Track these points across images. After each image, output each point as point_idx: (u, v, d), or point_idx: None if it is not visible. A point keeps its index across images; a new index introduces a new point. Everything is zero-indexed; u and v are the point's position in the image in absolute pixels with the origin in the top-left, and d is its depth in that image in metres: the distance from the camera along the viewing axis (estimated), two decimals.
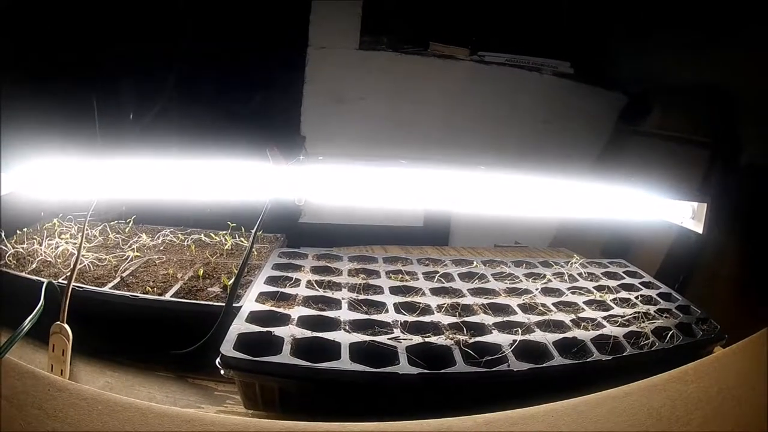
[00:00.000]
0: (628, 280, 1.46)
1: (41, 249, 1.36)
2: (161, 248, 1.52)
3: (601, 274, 1.51)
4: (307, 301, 1.19)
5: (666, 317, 1.23)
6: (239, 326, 1.03)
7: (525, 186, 1.27)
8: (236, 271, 1.24)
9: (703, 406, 0.82)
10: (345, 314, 1.13)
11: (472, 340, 1.05)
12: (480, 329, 1.11)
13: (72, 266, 1.10)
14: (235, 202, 1.27)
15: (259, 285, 1.24)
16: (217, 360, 0.93)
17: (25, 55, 1.67)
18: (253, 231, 1.24)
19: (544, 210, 1.31)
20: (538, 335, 1.09)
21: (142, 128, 2.10)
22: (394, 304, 1.19)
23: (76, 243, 1.39)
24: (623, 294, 1.37)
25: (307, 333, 1.03)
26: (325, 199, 1.27)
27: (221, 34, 2.12)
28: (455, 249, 1.96)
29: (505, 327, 1.13)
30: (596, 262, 1.60)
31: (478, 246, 2.00)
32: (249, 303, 1.14)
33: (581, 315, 1.21)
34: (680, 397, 0.84)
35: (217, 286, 1.28)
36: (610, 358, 1.04)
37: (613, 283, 1.43)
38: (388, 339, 1.03)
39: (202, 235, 1.62)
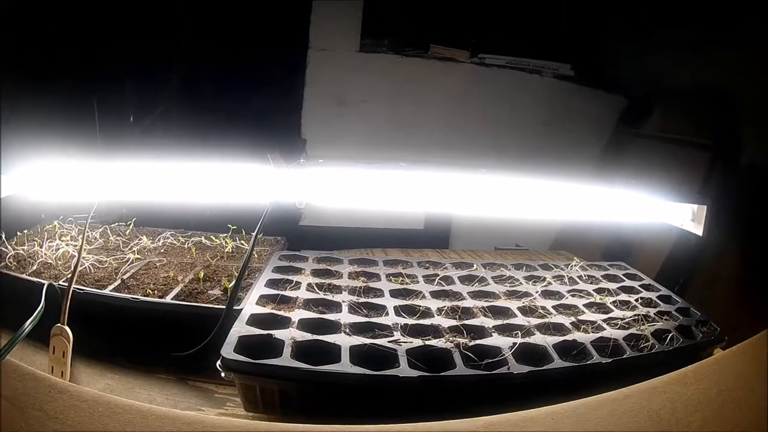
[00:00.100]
0: (627, 283, 1.46)
1: (42, 251, 1.36)
2: (162, 251, 1.52)
3: (601, 276, 1.51)
4: (308, 304, 1.19)
5: (666, 320, 1.23)
6: (240, 329, 1.03)
7: (525, 189, 1.27)
8: (237, 274, 1.24)
9: (703, 408, 0.82)
10: (345, 317, 1.13)
11: (472, 342, 1.05)
12: (480, 332, 1.11)
13: (73, 268, 1.10)
14: (236, 204, 1.27)
15: (259, 288, 1.24)
16: (218, 362, 0.94)
17: (25, 55, 1.67)
18: (254, 234, 1.24)
19: (544, 213, 1.31)
20: (538, 338, 1.09)
21: (143, 130, 2.10)
22: (395, 307, 1.19)
23: (76, 245, 1.39)
24: (623, 296, 1.37)
25: (308, 336, 1.03)
26: (326, 202, 1.27)
27: (221, 35, 2.12)
28: (456, 252, 1.96)
29: (505, 330, 1.13)
30: (596, 265, 1.60)
31: (478, 249, 2.00)
32: (249, 306, 1.14)
33: (581, 318, 1.21)
34: (680, 399, 0.84)
35: (217, 288, 1.28)
36: (610, 360, 1.04)
37: (612, 286, 1.43)
38: (388, 342, 1.03)
39: (203, 238, 1.62)
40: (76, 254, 1.16)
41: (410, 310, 1.19)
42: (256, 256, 1.51)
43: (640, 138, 2.32)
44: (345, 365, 0.94)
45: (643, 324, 1.19)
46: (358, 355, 0.98)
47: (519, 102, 2.45)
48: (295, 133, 2.31)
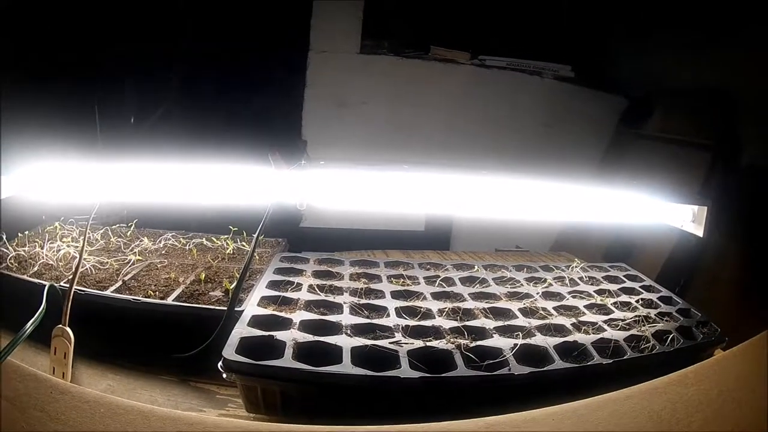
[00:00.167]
0: (628, 284, 1.46)
1: (43, 252, 1.36)
2: (163, 252, 1.52)
3: (602, 277, 1.51)
4: (309, 305, 1.19)
5: (666, 320, 1.23)
6: (241, 330, 1.03)
7: (526, 190, 1.27)
8: (238, 276, 1.24)
9: (704, 408, 0.82)
10: (346, 318, 1.13)
11: (474, 343, 1.05)
12: (481, 333, 1.11)
13: (74, 269, 1.10)
14: (237, 206, 1.27)
15: (260, 289, 1.24)
16: (219, 363, 0.94)
17: (25, 55, 1.68)
18: (255, 235, 1.24)
19: (545, 214, 1.31)
20: (538, 339, 1.09)
21: (144, 131, 2.11)
22: (396, 308, 1.19)
23: (77, 246, 1.39)
24: (624, 298, 1.37)
25: (309, 337, 1.03)
26: (327, 204, 1.27)
27: (222, 35, 2.13)
28: (456, 253, 1.96)
29: (506, 331, 1.13)
30: (597, 266, 1.60)
31: (479, 250, 2.01)
32: (251, 307, 1.14)
33: (582, 319, 1.21)
34: (681, 399, 0.85)
35: (218, 290, 1.28)
36: (611, 361, 1.04)
37: (613, 287, 1.43)
38: (389, 343, 1.03)
39: (204, 239, 1.62)
40: (78, 255, 1.16)
41: (411, 312, 1.19)
42: (257, 257, 1.51)
43: (641, 139, 2.32)
44: (346, 366, 0.94)
45: (644, 325, 1.19)
46: (360, 356, 0.98)
47: (519, 103, 2.46)
48: (296, 134, 2.31)
